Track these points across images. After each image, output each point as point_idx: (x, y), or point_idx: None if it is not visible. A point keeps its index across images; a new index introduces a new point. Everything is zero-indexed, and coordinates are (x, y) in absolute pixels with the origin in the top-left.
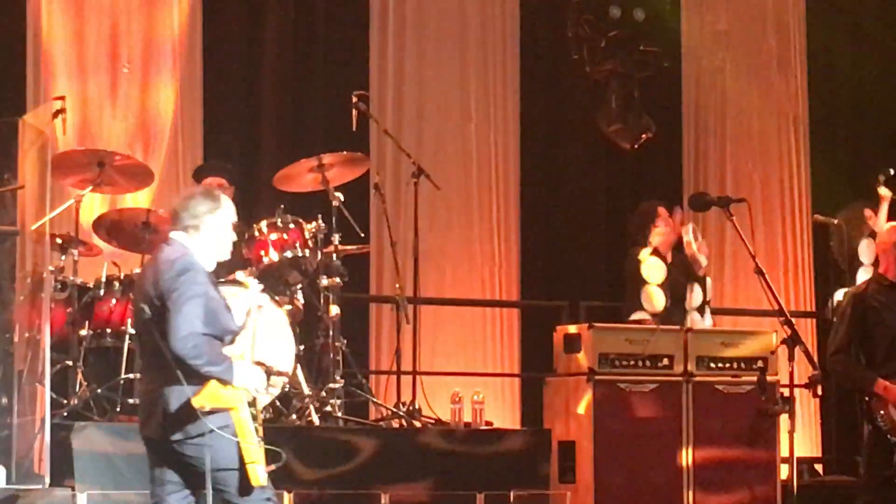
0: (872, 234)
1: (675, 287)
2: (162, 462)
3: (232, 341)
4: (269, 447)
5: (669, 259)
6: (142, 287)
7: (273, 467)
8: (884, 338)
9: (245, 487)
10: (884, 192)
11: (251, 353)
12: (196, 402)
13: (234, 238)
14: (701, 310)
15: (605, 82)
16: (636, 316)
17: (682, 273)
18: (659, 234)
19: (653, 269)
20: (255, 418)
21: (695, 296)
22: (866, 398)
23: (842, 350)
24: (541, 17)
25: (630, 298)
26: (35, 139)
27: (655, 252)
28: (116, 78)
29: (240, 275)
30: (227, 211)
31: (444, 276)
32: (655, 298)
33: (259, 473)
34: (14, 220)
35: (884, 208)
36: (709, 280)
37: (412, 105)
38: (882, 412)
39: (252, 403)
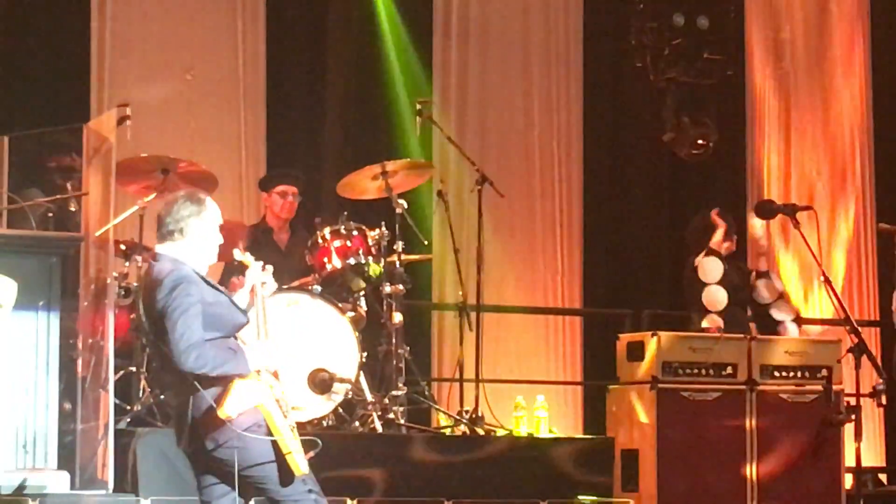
0: None
1: (736, 290)
2: (203, 469)
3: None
4: (305, 436)
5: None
6: (138, 308)
7: (312, 454)
8: None
9: (285, 479)
10: None
11: (265, 332)
12: (222, 414)
13: (221, 241)
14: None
15: (665, 91)
16: (705, 324)
17: (739, 276)
18: (717, 241)
19: (709, 268)
20: (281, 408)
21: (761, 290)
22: None
23: None
24: (604, 25)
25: (692, 305)
26: (99, 146)
27: (710, 252)
28: (180, 85)
29: (237, 252)
30: (211, 213)
31: (508, 284)
32: (716, 296)
33: (299, 462)
34: (78, 227)
35: None
36: (773, 275)
37: (475, 112)
38: None
39: (275, 376)
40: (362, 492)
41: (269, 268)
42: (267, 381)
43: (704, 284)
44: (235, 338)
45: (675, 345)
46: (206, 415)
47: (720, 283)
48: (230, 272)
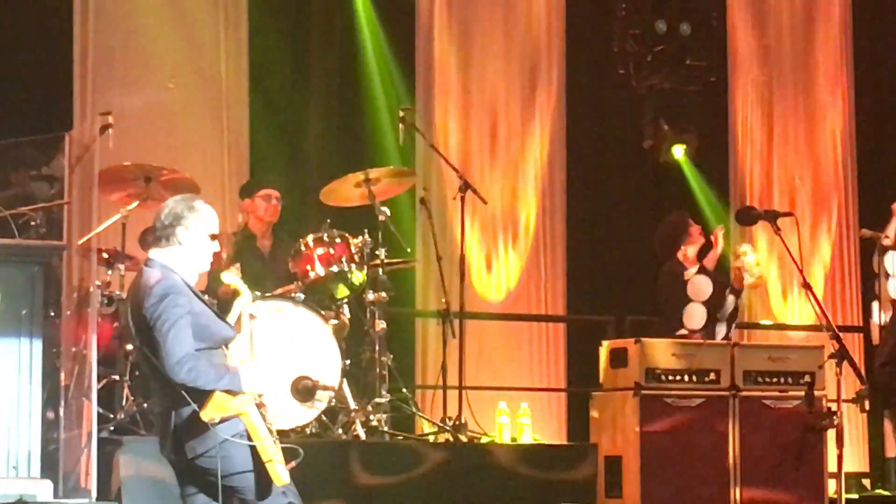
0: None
1: (715, 308)
2: (186, 479)
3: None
4: (287, 445)
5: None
6: (127, 313)
7: (293, 464)
8: None
9: (263, 489)
10: None
11: (251, 357)
12: (205, 416)
13: (216, 248)
14: (729, 320)
15: (645, 97)
16: (680, 332)
17: (719, 292)
18: (693, 250)
19: (701, 288)
20: (264, 418)
21: (726, 305)
22: None
23: (890, 362)
24: (587, 32)
25: (671, 316)
26: (81, 154)
27: (702, 270)
28: (163, 93)
29: (226, 276)
30: (203, 221)
31: (490, 291)
32: (698, 316)
33: (280, 472)
34: (61, 236)
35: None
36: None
37: (458, 119)
38: None
39: (261, 403)
40: (347, 499)
41: (258, 306)
42: (253, 399)
43: (689, 301)
44: (223, 349)
45: (658, 351)
46: (189, 422)
47: (705, 303)
48: (215, 280)
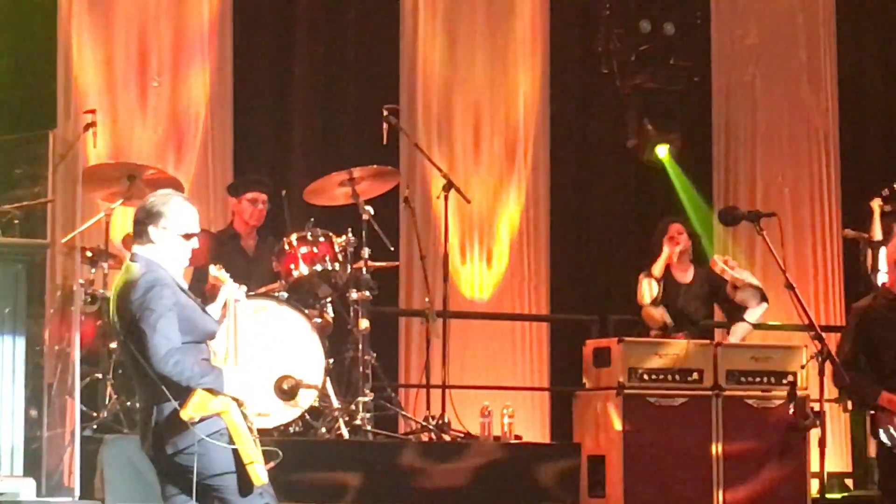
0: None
1: (688, 303)
2: (166, 477)
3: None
4: (266, 447)
5: (691, 276)
6: (111, 308)
7: (272, 465)
8: (889, 352)
9: (243, 490)
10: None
11: (234, 349)
12: (185, 415)
13: (195, 245)
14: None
15: (629, 97)
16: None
17: (702, 289)
18: (665, 252)
19: (644, 289)
20: (245, 418)
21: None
22: (871, 412)
23: (848, 365)
24: (571, 31)
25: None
26: (65, 152)
27: (648, 274)
28: (146, 91)
29: (212, 269)
30: (174, 221)
31: (474, 290)
32: (651, 317)
33: (259, 472)
34: (44, 234)
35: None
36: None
37: (442, 119)
38: (889, 426)
39: (241, 404)
40: (330, 498)
41: (244, 288)
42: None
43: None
44: (206, 344)
45: (641, 351)
46: (169, 419)
47: (653, 303)
48: (200, 278)
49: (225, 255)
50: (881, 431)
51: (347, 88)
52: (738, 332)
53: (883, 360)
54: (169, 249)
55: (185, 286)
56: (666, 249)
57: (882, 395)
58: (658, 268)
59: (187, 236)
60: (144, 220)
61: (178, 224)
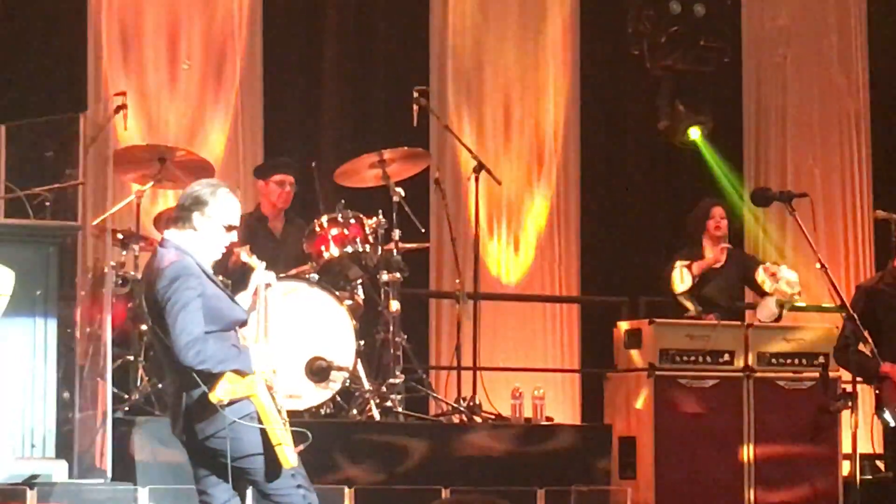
0: None
1: (722, 289)
2: (197, 460)
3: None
4: (295, 428)
5: (723, 260)
6: (142, 293)
7: (301, 447)
8: (895, 332)
9: (272, 472)
10: None
11: (265, 333)
12: (214, 398)
13: (233, 239)
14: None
15: (661, 78)
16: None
17: (735, 273)
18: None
19: (676, 278)
20: (274, 401)
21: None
22: (876, 392)
23: (850, 343)
24: (601, 12)
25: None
26: (96, 135)
27: (685, 263)
28: (177, 73)
29: (243, 254)
30: (219, 211)
31: (504, 272)
32: (682, 304)
33: (288, 454)
34: (75, 216)
35: None
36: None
37: (472, 100)
38: (894, 405)
39: (270, 387)
40: (360, 480)
41: (272, 274)
42: (264, 378)
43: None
44: (236, 331)
45: (672, 332)
46: (199, 403)
47: (685, 293)
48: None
49: (252, 238)
50: (885, 412)
51: (377, 70)
52: (766, 309)
53: (886, 339)
54: (208, 238)
55: (212, 274)
56: (710, 254)
57: (883, 365)
58: (697, 267)
59: (229, 228)
60: (190, 206)
61: (223, 215)
